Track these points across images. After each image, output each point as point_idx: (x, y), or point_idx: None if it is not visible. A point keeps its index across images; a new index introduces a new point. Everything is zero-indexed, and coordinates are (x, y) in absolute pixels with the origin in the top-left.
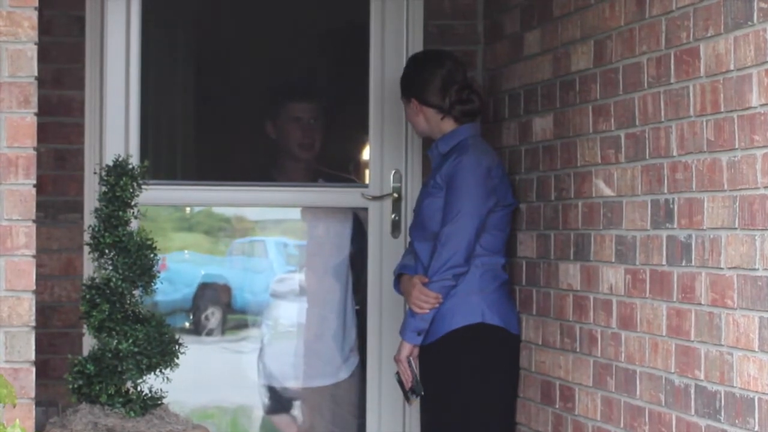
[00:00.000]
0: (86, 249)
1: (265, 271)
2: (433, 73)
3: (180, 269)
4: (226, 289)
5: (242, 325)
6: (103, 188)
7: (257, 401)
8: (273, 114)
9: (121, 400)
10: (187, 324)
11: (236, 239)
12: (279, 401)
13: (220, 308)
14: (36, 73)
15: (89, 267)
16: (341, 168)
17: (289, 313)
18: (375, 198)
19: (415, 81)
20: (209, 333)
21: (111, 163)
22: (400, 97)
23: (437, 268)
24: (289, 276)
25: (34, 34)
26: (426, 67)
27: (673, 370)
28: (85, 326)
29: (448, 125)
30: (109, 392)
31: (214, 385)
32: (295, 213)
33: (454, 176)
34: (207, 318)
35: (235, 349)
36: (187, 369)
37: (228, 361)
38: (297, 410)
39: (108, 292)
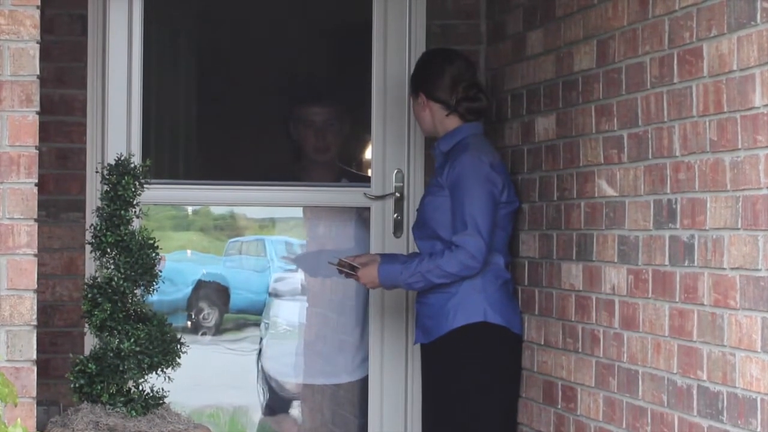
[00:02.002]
0: (88, 248)
1: (265, 270)
2: (443, 68)
3: (178, 268)
4: (225, 289)
5: (242, 325)
6: (105, 187)
7: (257, 402)
8: (292, 116)
9: (122, 399)
10: (189, 323)
11: (235, 238)
12: (279, 401)
13: (218, 308)
14: (38, 72)
15: (91, 266)
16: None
17: (289, 312)
18: (377, 197)
19: (425, 75)
20: (205, 333)
21: (113, 162)
22: (410, 92)
23: (430, 269)
24: (288, 275)
25: (36, 33)
26: (437, 62)
27: (675, 371)
28: (86, 325)
29: (452, 123)
30: (111, 391)
31: (212, 385)
32: (296, 212)
33: (457, 179)
34: (204, 318)
35: (234, 349)
36: (185, 369)
37: (227, 361)
38: (297, 410)
39: (110, 291)
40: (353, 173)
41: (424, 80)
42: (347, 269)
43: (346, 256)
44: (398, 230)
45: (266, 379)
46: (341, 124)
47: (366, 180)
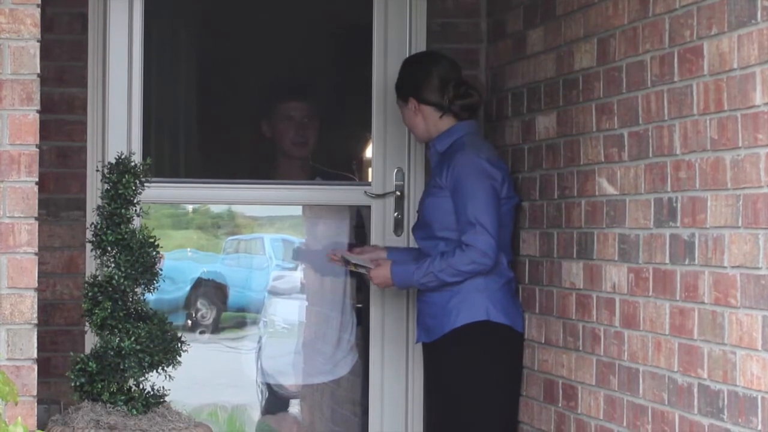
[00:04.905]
0: (88, 246)
1: (264, 268)
2: (429, 71)
3: (177, 266)
4: (224, 287)
5: (241, 323)
6: (106, 186)
7: (256, 400)
8: (268, 113)
9: (123, 398)
10: (190, 322)
11: (234, 236)
12: (278, 400)
13: (217, 306)
14: (38, 71)
15: (91, 264)
16: (343, 166)
17: (288, 311)
18: (378, 196)
19: (412, 80)
20: (204, 331)
21: (113, 161)
22: (396, 101)
23: (443, 268)
24: (287, 273)
25: (36, 32)
26: (422, 65)
27: (676, 369)
28: (87, 324)
29: (447, 123)
30: (112, 390)
31: (211, 384)
32: (296, 210)
33: (456, 180)
34: (203, 316)
35: (233, 347)
36: (183, 367)
37: (226, 360)
38: (296, 409)
39: (110, 289)
40: (330, 172)
41: (412, 85)
42: (359, 268)
43: (346, 251)
44: (398, 228)
45: (266, 377)
46: (322, 119)
47: (343, 178)
